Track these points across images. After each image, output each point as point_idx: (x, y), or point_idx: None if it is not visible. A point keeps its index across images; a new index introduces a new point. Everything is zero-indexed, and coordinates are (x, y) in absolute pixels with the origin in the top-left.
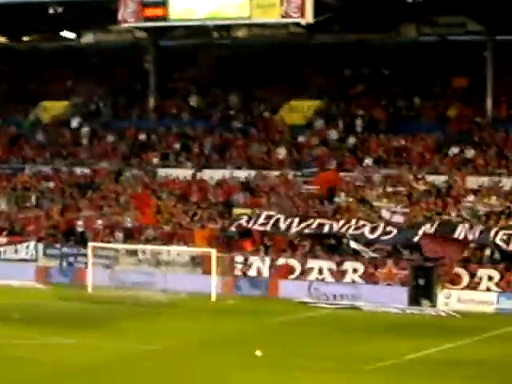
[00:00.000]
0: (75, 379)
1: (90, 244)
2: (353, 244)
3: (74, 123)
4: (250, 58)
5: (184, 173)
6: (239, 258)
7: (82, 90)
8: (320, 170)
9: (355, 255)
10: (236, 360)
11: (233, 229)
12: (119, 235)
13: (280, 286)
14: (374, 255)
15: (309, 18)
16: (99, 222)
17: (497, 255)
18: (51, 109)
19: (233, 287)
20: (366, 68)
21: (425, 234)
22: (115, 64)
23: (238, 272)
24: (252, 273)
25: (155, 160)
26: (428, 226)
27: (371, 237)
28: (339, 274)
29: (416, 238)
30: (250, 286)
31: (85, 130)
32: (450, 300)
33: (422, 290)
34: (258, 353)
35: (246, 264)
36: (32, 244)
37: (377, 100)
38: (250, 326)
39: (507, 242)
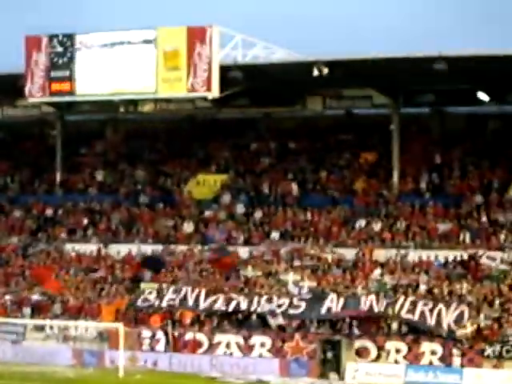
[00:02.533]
0: None
1: None
2: (272, 321)
3: None
4: (156, 132)
5: (91, 247)
6: (146, 333)
7: None
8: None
9: (263, 329)
10: None
11: (140, 304)
12: (27, 310)
13: (188, 360)
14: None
15: (215, 92)
16: (7, 297)
17: (404, 328)
18: None
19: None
20: (273, 142)
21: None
22: (22, 139)
23: (145, 347)
24: (160, 347)
25: (62, 235)
26: (335, 299)
27: (279, 311)
28: (247, 348)
29: (323, 311)
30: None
31: None
32: (358, 373)
33: (330, 364)
34: None
35: (154, 339)
36: None
37: (284, 174)
38: None
39: (414, 315)
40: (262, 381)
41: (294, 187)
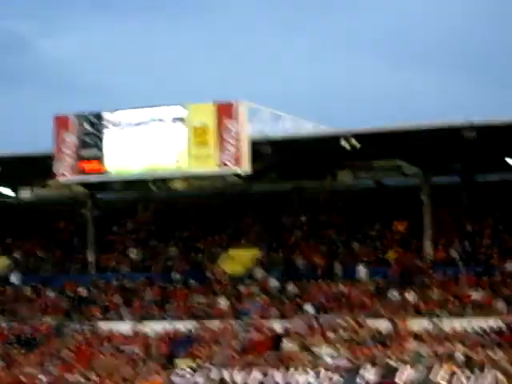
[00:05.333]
0: None
1: None
2: None
3: (14, 279)
4: (188, 208)
5: (125, 326)
6: None
7: (22, 246)
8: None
9: None
10: None
11: (177, 381)
12: None
13: None
14: None
15: (246, 167)
16: (42, 378)
17: None
18: None
19: None
20: (304, 215)
21: None
22: (54, 219)
23: None
24: None
25: (96, 314)
26: (371, 370)
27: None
28: None
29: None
30: None
31: (25, 285)
32: None
33: None
34: None
35: None
36: None
37: (316, 246)
38: None
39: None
40: None
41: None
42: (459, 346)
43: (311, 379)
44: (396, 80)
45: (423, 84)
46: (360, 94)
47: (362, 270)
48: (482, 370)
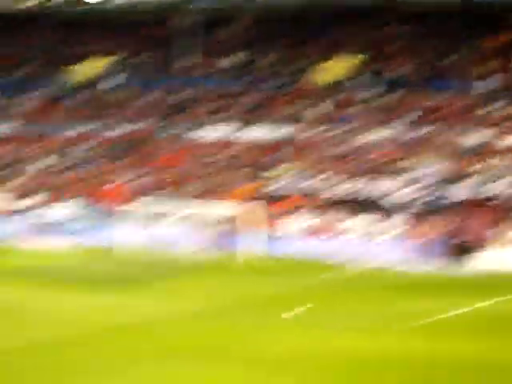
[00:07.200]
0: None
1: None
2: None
3: (119, 80)
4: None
5: (220, 132)
6: (280, 215)
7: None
8: None
9: (390, 213)
10: (266, 321)
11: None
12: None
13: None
14: None
15: None
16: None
17: None
18: (90, 68)
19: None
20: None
21: None
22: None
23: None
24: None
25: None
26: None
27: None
28: (372, 233)
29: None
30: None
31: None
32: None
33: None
34: (286, 315)
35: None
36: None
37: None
38: (279, 288)
39: None
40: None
41: None
42: None
43: (406, 192)
44: None
45: None
46: None
47: None
48: None
